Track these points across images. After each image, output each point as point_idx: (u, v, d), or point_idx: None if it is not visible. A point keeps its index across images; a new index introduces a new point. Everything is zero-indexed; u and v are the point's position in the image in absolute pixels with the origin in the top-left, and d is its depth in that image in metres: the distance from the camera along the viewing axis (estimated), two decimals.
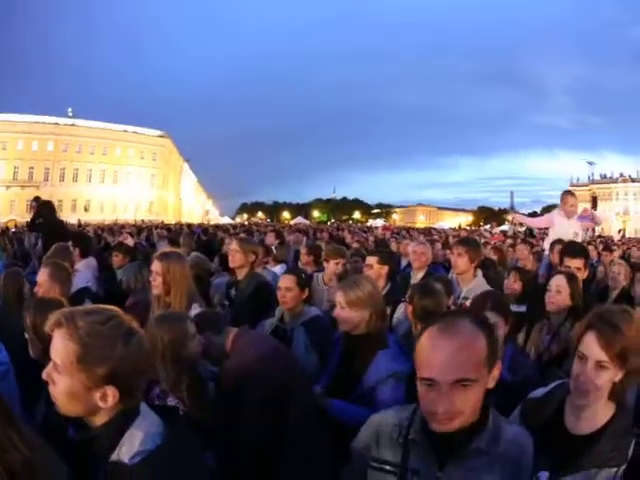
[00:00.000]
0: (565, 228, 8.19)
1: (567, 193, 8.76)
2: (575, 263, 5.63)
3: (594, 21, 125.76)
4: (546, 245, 8.47)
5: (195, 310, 4.38)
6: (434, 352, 2.03)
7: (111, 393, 1.90)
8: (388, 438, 2.30)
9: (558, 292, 4.61)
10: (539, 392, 2.79)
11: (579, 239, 7.85)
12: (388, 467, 2.26)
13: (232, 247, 6.16)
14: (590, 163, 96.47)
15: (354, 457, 2.46)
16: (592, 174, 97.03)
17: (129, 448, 1.91)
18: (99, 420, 1.97)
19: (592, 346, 2.42)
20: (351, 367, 3.87)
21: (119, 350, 1.90)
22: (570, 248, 6.13)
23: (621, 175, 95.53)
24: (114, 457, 1.90)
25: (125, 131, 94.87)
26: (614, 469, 2.39)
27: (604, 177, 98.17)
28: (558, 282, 4.68)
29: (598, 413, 2.48)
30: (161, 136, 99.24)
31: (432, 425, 2.08)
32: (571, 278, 4.73)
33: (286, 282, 5.02)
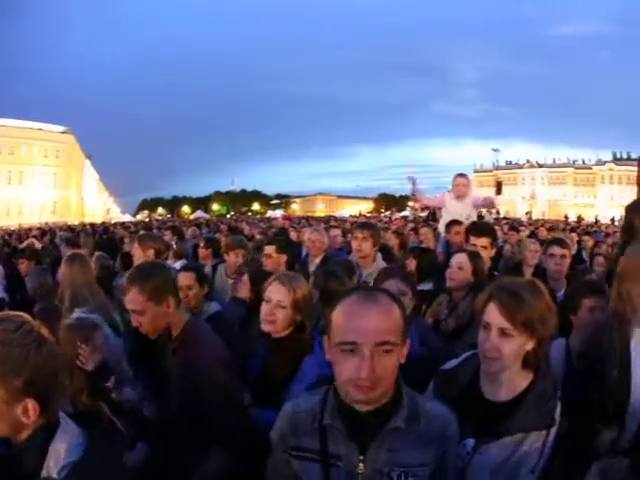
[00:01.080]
0: (456, 209, 8.48)
1: (457, 175, 9.11)
2: (481, 242, 5.78)
3: (512, 18, 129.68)
4: (441, 226, 8.76)
5: (76, 314, 4.16)
6: (357, 317, 2.06)
7: (32, 406, 1.86)
8: (304, 425, 2.31)
9: (459, 269, 4.74)
10: (451, 364, 2.88)
11: (471, 220, 8.09)
12: (310, 455, 2.27)
13: (134, 246, 6.15)
14: (495, 150, 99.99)
15: (274, 448, 2.45)
16: (497, 161, 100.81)
17: (55, 462, 1.89)
18: (23, 436, 1.92)
19: (494, 315, 2.54)
20: (276, 372, 3.79)
21: (32, 359, 1.85)
22: (476, 227, 6.33)
23: (527, 161, 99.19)
24: (44, 473, 1.88)
25: (30, 128, 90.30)
26: (543, 432, 2.55)
27: (509, 163, 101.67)
28: (459, 259, 4.81)
29: (514, 380, 2.62)
30: (64, 132, 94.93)
31: (352, 395, 2.10)
32: (472, 255, 4.88)
33: (186, 280, 4.91)
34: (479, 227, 6.33)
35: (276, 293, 3.79)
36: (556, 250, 5.43)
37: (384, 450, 2.18)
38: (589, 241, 12.56)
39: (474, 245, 5.71)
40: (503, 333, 2.52)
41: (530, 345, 2.57)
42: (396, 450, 2.18)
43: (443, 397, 2.59)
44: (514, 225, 16.72)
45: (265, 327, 3.76)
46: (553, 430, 2.59)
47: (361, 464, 2.17)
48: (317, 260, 6.73)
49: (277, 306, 3.75)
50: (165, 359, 3.58)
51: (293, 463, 2.32)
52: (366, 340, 2.01)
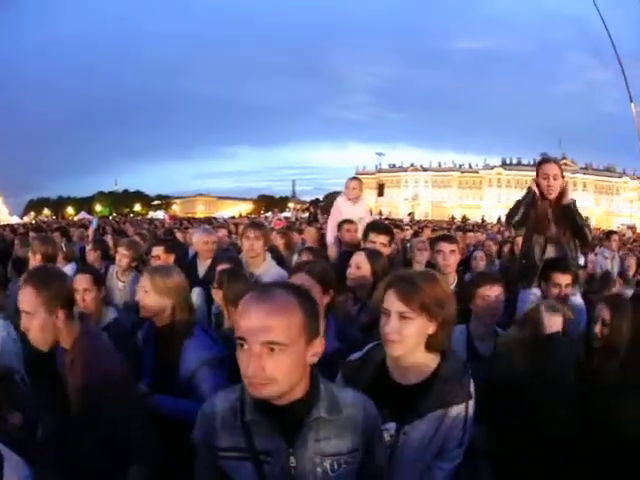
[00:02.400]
0: (349, 211, 8.76)
1: (350, 178, 9.50)
2: (380, 239, 6.04)
3: (415, 29, 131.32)
4: (329, 227, 9.03)
5: None
6: (247, 314, 2.11)
7: None
8: (226, 424, 2.34)
9: (358, 268, 4.97)
10: (355, 355, 3.09)
11: (366, 221, 8.26)
12: (239, 454, 2.30)
13: (30, 250, 6.08)
14: (379, 154, 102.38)
15: (200, 451, 2.45)
16: (380, 164, 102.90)
17: None
18: None
19: (393, 300, 2.76)
20: (166, 359, 3.93)
21: None
22: (376, 225, 6.66)
23: (412, 165, 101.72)
24: None
25: None
26: (462, 405, 2.85)
27: (393, 166, 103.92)
28: (357, 259, 5.05)
29: (422, 363, 2.87)
30: None
31: (249, 391, 2.17)
32: (371, 254, 5.11)
33: (83, 283, 4.80)
34: (379, 225, 6.68)
35: (142, 280, 4.09)
36: (444, 246, 5.66)
37: (311, 441, 2.26)
38: (473, 238, 13.29)
39: (373, 242, 5.97)
40: (402, 317, 2.73)
41: (431, 328, 2.79)
42: (324, 440, 2.28)
43: (353, 387, 2.68)
44: (397, 224, 17.35)
45: (141, 312, 4.06)
46: (471, 403, 2.90)
47: (291, 457, 2.24)
48: (208, 261, 6.87)
49: (142, 290, 4.01)
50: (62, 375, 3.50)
51: (223, 464, 2.35)
52: (252, 338, 2.08)
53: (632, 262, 9.16)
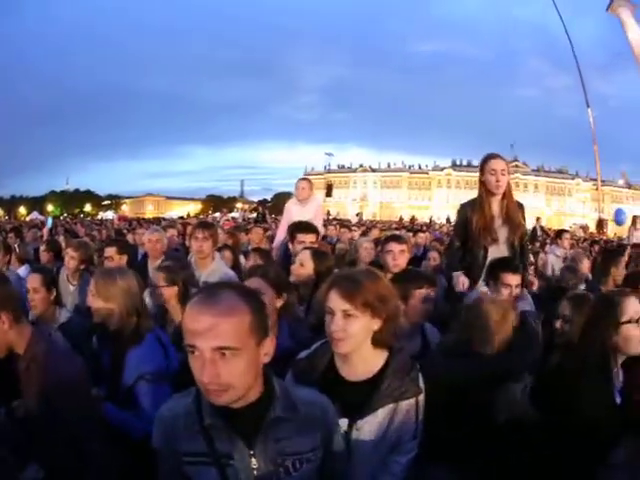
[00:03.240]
0: (299, 212, 9.02)
1: (300, 179, 9.75)
2: (308, 238, 6.33)
3: (372, 31, 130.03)
4: (279, 229, 9.36)
5: None
6: (195, 320, 2.13)
7: None
8: (186, 429, 2.36)
9: (301, 265, 5.19)
10: (304, 353, 3.22)
11: (317, 222, 8.68)
12: (201, 458, 2.33)
13: None
14: (328, 154, 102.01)
15: (162, 457, 2.49)
16: (329, 164, 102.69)
17: None
18: None
19: (336, 299, 2.89)
20: (116, 366, 3.95)
21: None
22: (301, 225, 6.86)
23: (361, 165, 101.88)
24: None
25: None
26: (412, 400, 3.04)
27: (342, 167, 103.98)
28: (302, 256, 5.28)
29: (370, 359, 3.03)
30: None
31: (207, 398, 2.22)
32: (316, 254, 5.31)
33: (32, 282, 4.90)
34: (304, 225, 6.84)
35: (91, 283, 4.15)
36: (394, 246, 5.79)
37: (271, 441, 2.33)
38: (423, 238, 13.47)
39: (302, 242, 6.19)
40: (346, 315, 2.85)
41: (376, 325, 2.94)
42: (283, 439, 2.35)
43: (303, 385, 2.82)
44: (345, 224, 17.57)
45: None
46: (421, 398, 3.08)
47: (253, 459, 2.30)
48: (158, 261, 6.75)
49: (91, 294, 4.09)
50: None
51: (188, 469, 2.37)
52: (203, 345, 2.10)
53: (585, 263, 9.32)
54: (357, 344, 2.93)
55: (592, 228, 45.45)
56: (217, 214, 52.91)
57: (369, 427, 2.96)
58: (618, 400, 3.43)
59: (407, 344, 4.33)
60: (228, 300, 2.18)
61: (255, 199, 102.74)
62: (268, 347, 2.33)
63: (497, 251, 5.64)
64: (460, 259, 5.88)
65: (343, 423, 2.90)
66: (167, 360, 4.00)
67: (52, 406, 3.11)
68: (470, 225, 5.68)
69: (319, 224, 8.94)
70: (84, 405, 3.28)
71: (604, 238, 29.75)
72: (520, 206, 5.87)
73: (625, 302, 3.41)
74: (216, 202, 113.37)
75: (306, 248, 5.65)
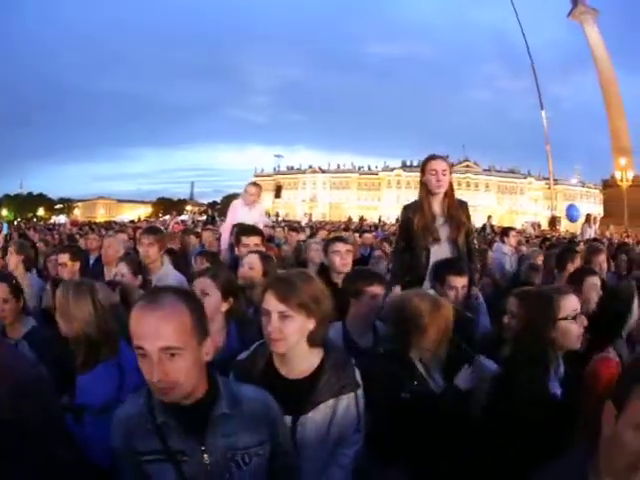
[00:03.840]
0: (246, 216, 9.13)
1: (250, 184, 9.92)
2: (252, 240, 6.46)
3: (328, 33, 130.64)
4: (225, 230, 9.31)
5: None
6: (140, 323, 2.30)
7: None
8: (141, 428, 2.48)
9: (250, 268, 5.28)
10: (243, 354, 3.36)
11: (261, 225, 8.79)
12: (157, 456, 2.46)
13: None
14: (278, 156, 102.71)
15: (121, 458, 2.59)
16: (278, 166, 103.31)
17: None
18: None
19: (272, 301, 3.02)
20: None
21: None
22: (245, 228, 6.99)
23: (310, 167, 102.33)
24: None
25: None
26: (351, 394, 3.18)
27: (291, 168, 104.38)
28: (250, 260, 5.36)
29: (307, 357, 3.17)
30: None
31: (158, 396, 2.39)
32: (264, 256, 5.43)
33: (0, 292, 4.72)
34: (248, 228, 6.97)
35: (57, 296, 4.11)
36: (340, 246, 5.95)
37: (220, 437, 2.47)
38: (369, 239, 13.55)
39: (246, 245, 6.33)
40: (282, 316, 2.98)
41: (311, 325, 3.07)
42: (231, 435, 2.50)
43: (244, 382, 2.92)
44: (294, 226, 17.71)
45: None
46: (359, 392, 3.23)
47: (205, 455, 2.45)
48: (113, 268, 6.69)
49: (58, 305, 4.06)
50: None
51: (146, 468, 2.49)
52: (150, 346, 2.26)
53: (540, 260, 9.29)
54: (293, 344, 3.05)
55: (545, 225, 46.09)
56: (166, 217, 52.68)
57: (312, 423, 3.10)
58: (559, 391, 3.59)
59: (359, 340, 4.52)
60: (170, 303, 2.34)
61: (205, 201, 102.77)
62: (208, 347, 2.49)
63: (440, 250, 5.68)
64: (406, 264, 5.90)
65: (287, 420, 3.02)
66: (119, 390, 3.89)
67: (13, 410, 3.01)
68: (412, 225, 5.73)
69: (262, 227, 9.02)
70: (47, 410, 3.19)
71: (557, 235, 30.19)
72: (463, 204, 5.93)
73: (563, 299, 3.57)
74: (166, 205, 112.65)
75: (253, 251, 5.75)
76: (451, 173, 5.77)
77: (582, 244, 11.64)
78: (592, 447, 2.05)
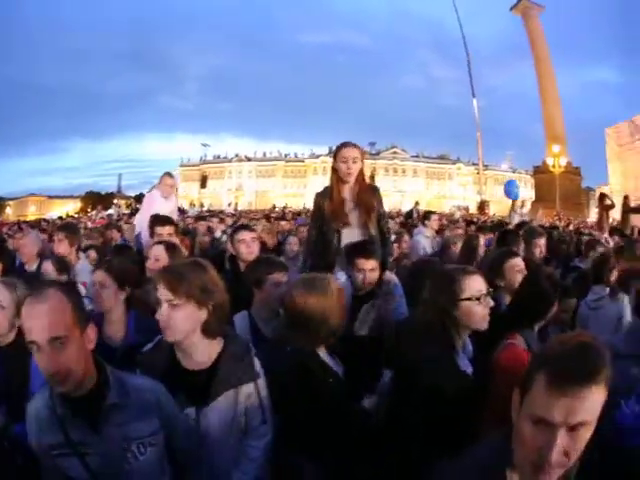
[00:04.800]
0: (164, 207, 9.09)
1: (166, 174, 9.86)
2: (166, 230, 6.48)
3: (259, 20, 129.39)
4: (142, 221, 9.04)
5: None
6: (29, 317, 2.47)
7: None
8: (47, 422, 2.60)
9: (157, 260, 5.21)
10: (148, 346, 3.39)
11: (175, 216, 8.99)
12: (63, 450, 2.57)
13: None
14: (204, 145, 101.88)
15: (39, 456, 2.69)
16: (205, 155, 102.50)
17: None
18: None
19: (162, 290, 3.10)
20: (17, 382, 3.93)
21: None
22: (159, 218, 6.95)
23: (236, 155, 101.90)
24: None
25: None
26: (251, 384, 3.25)
27: (217, 157, 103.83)
28: (156, 251, 5.33)
29: (204, 348, 3.22)
30: None
31: (53, 388, 2.54)
32: (169, 247, 5.38)
33: None
34: (161, 218, 6.95)
35: None
36: (246, 235, 6.00)
37: (114, 426, 2.60)
38: (286, 225, 14.06)
39: (160, 235, 6.36)
40: (171, 304, 3.07)
41: (204, 315, 3.15)
42: (123, 424, 2.63)
43: (150, 376, 3.04)
44: (220, 216, 17.86)
45: None
46: (260, 382, 3.30)
47: (103, 445, 2.58)
48: (34, 266, 6.88)
49: None
50: None
51: (57, 462, 2.59)
52: (40, 339, 2.42)
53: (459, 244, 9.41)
54: (183, 333, 3.12)
55: (474, 210, 46.94)
56: (93, 212, 51.93)
57: (215, 414, 3.16)
58: (469, 369, 3.64)
59: (265, 328, 4.57)
60: (52, 296, 2.50)
61: (132, 193, 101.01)
62: (90, 335, 2.63)
63: (350, 235, 5.69)
64: (318, 250, 5.91)
65: (190, 412, 3.13)
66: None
67: None
68: (323, 211, 5.79)
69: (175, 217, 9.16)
70: None
71: (485, 219, 30.83)
72: (374, 190, 5.98)
73: (466, 280, 3.60)
74: (95, 199, 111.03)
75: (158, 242, 5.72)
76: (363, 160, 5.83)
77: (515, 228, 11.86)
78: (506, 435, 2.06)
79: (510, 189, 21.76)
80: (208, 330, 3.18)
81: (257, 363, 3.34)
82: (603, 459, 2.03)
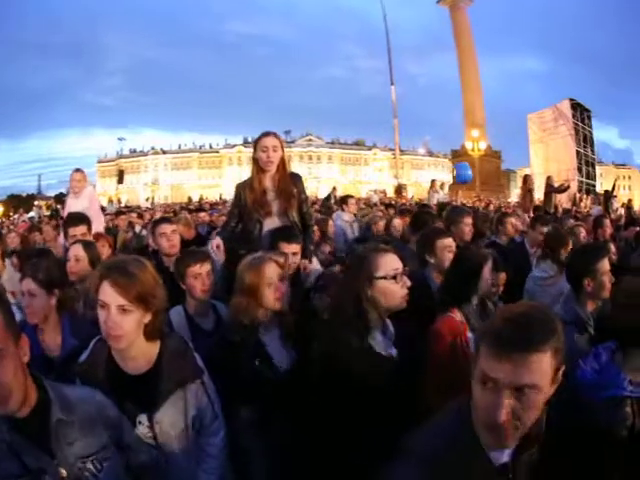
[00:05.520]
0: (75, 205, 8.97)
1: (74, 170, 9.62)
2: (79, 231, 6.34)
3: (183, 9, 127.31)
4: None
5: None
6: None
7: None
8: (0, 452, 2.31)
9: (77, 260, 5.10)
10: (84, 354, 3.13)
11: (92, 211, 8.54)
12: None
13: None
14: (121, 139, 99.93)
15: None
16: (121, 149, 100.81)
17: None
18: None
19: (111, 293, 2.85)
20: None
21: None
22: (73, 217, 6.88)
23: (152, 148, 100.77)
24: None
25: None
26: (197, 380, 3.17)
27: (134, 151, 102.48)
28: (75, 251, 5.19)
29: (146, 351, 3.06)
30: None
31: None
32: (86, 245, 5.29)
33: None
34: (73, 218, 6.86)
35: None
36: (166, 228, 6.00)
37: (65, 446, 2.36)
38: (205, 217, 14.10)
39: (74, 236, 6.21)
40: (122, 310, 2.85)
41: (147, 318, 2.97)
42: (74, 442, 2.39)
43: (91, 386, 2.81)
44: (138, 211, 17.79)
45: None
46: (205, 377, 3.22)
47: (60, 469, 2.32)
48: None
49: None
50: None
51: None
52: None
53: (381, 225, 9.45)
54: (133, 339, 2.94)
55: (391, 194, 47.50)
56: (16, 216, 50.65)
57: (168, 417, 3.03)
58: (392, 351, 3.61)
59: (202, 322, 4.62)
60: None
61: (52, 193, 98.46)
62: (24, 346, 2.34)
63: (272, 223, 5.76)
64: (238, 239, 5.94)
65: (143, 419, 2.98)
66: None
67: None
68: (244, 201, 5.82)
69: (95, 214, 8.90)
70: None
71: (403, 202, 31.26)
72: (296, 177, 6.04)
73: (379, 258, 3.54)
74: (16, 201, 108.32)
75: (76, 242, 5.58)
76: (283, 148, 5.87)
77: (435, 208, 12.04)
78: (461, 404, 2.14)
79: (461, 172, 22.25)
80: (150, 333, 3.03)
81: (198, 358, 3.25)
82: (566, 415, 2.16)
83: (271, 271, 4.02)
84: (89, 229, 6.54)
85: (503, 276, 5.07)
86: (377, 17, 62.43)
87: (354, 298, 3.48)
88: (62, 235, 7.23)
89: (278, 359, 3.94)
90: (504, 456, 2.07)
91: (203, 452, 3.26)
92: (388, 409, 3.25)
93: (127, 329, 2.87)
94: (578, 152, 46.23)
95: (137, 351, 3.01)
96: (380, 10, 58.64)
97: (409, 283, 3.58)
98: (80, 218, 6.67)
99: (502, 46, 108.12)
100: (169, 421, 3.03)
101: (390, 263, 3.53)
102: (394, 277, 3.49)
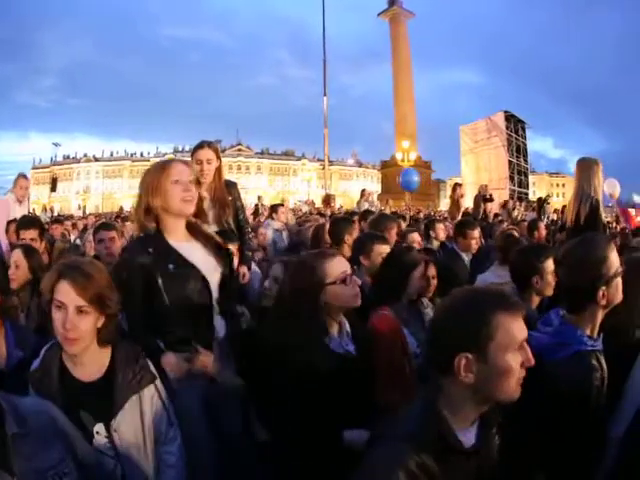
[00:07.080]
0: (21, 212, 8.87)
1: (21, 176, 9.47)
2: (30, 234, 6.23)
3: (121, 11, 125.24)
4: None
5: None
6: None
7: None
8: None
9: (17, 267, 4.91)
10: (35, 363, 2.95)
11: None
12: None
13: None
14: (55, 144, 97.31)
15: None
16: (55, 155, 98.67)
17: None
18: None
19: (69, 293, 2.75)
20: None
21: None
22: (24, 221, 6.77)
23: (85, 155, 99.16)
24: None
25: None
26: (151, 386, 3.05)
27: (67, 158, 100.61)
28: (15, 257, 5.00)
29: (99, 357, 2.96)
30: None
31: None
32: (27, 251, 5.10)
33: None
34: (26, 221, 6.75)
35: None
36: (104, 234, 5.99)
37: (23, 461, 2.18)
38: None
39: (24, 238, 6.12)
40: (79, 310, 2.75)
41: (101, 321, 2.87)
42: (32, 456, 2.23)
43: (45, 397, 2.71)
44: (72, 221, 17.67)
45: None
46: (158, 383, 3.12)
47: None
48: None
49: None
50: None
51: None
52: None
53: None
54: (88, 343, 2.85)
55: (319, 204, 47.71)
56: None
57: (125, 426, 2.91)
58: (351, 347, 3.51)
59: None
60: None
61: None
62: None
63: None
64: None
65: (100, 429, 2.85)
66: None
67: None
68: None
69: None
70: None
71: (331, 212, 31.40)
72: (231, 185, 6.13)
73: (327, 265, 3.47)
74: None
75: (17, 247, 5.41)
76: (219, 159, 5.90)
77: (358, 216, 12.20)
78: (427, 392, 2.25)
79: (407, 179, 22.27)
80: (104, 338, 2.93)
81: (150, 364, 3.14)
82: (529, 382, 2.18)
83: None
84: (41, 234, 6.40)
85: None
86: (313, 27, 62.83)
87: (307, 304, 3.40)
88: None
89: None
90: (472, 436, 2.19)
91: (161, 462, 3.11)
92: (347, 406, 3.21)
93: (84, 332, 2.78)
94: (510, 162, 47.49)
95: (90, 357, 2.92)
96: (317, 20, 58.55)
97: (359, 282, 3.54)
98: (33, 222, 6.58)
99: (441, 59, 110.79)
100: (127, 429, 2.91)
101: (338, 267, 3.47)
102: (344, 280, 3.44)
